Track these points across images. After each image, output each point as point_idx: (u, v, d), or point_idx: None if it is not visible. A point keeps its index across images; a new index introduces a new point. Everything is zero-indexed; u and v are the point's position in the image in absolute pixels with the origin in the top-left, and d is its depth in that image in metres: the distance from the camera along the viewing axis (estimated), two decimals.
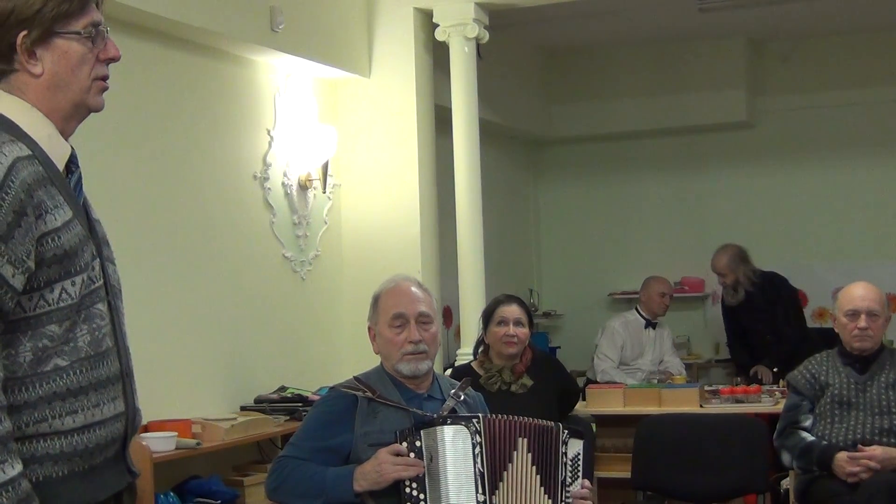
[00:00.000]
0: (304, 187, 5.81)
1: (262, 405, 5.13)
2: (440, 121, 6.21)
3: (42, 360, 1.84)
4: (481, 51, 6.06)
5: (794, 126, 8.40)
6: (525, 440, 3.06)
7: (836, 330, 4.46)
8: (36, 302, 1.83)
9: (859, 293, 4.40)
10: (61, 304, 1.85)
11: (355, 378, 3.23)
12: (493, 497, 2.98)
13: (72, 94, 1.94)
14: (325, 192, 5.91)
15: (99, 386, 1.91)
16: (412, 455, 2.99)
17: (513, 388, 4.60)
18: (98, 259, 1.95)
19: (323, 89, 6.02)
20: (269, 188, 5.56)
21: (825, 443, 4.27)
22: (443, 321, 6.76)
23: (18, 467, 1.77)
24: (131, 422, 2.00)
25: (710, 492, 4.65)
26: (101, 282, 1.94)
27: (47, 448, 1.84)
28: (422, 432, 3.01)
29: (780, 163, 8.44)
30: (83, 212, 1.95)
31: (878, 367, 4.36)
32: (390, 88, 6.05)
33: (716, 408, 5.54)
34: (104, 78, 1.98)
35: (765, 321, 6.79)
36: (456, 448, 2.99)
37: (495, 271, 6.88)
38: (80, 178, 1.98)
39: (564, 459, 3.10)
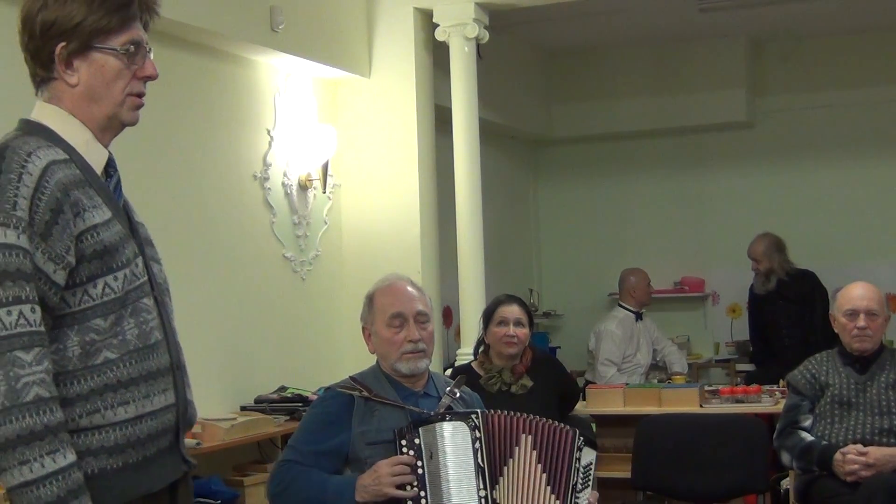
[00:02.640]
0: (304, 187, 5.81)
1: (262, 405, 5.13)
2: (440, 121, 6.21)
3: (91, 353, 1.91)
4: (481, 51, 6.06)
5: (794, 126, 8.40)
6: (530, 437, 3.07)
7: (836, 330, 4.46)
8: (80, 297, 1.91)
9: (858, 293, 4.40)
10: (105, 299, 1.93)
11: (351, 378, 3.24)
12: (494, 491, 2.99)
13: (105, 107, 2.01)
14: (325, 192, 5.91)
15: (149, 377, 1.98)
16: (411, 452, 2.99)
17: (513, 388, 4.59)
18: (141, 257, 2.02)
19: (323, 89, 6.02)
20: (269, 188, 5.56)
21: (825, 443, 4.27)
22: (443, 321, 6.77)
23: (71, 457, 1.83)
24: (182, 413, 2.07)
25: (710, 492, 4.65)
26: (146, 278, 2.02)
27: (102, 441, 1.91)
28: (420, 429, 3.01)
29: (780, 163, 8.44)
30: (123, 213, 2.03)
31: (879, 367, 4.36)
32: (390, 88, 6.05)
33: (716, 408, 5.54)
34: (139, 94, 2.05)
35: (789, 316, 6.81)
36: (455, 444, 2.99)
37: (495, 271, 6.88)
38: (118, 181, 2.07)
39: (577, 465, 3.11)
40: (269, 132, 5.58)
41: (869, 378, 4.34)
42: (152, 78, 2.06)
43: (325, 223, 5.99)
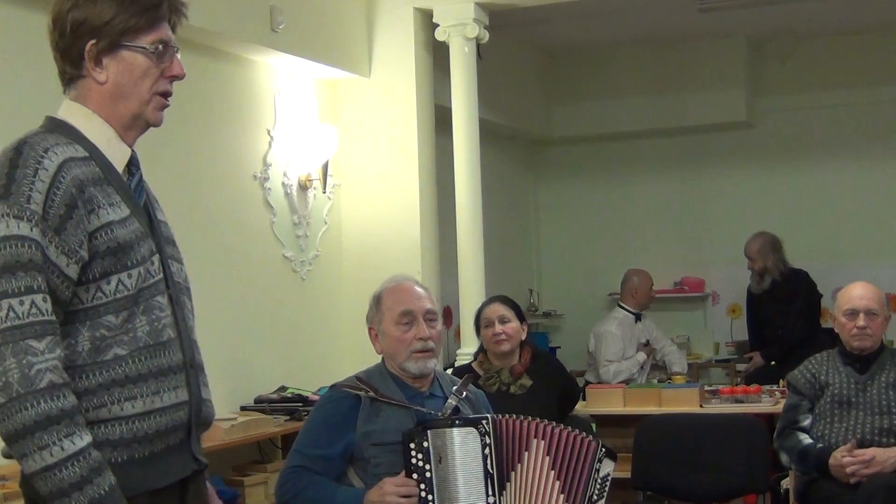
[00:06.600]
0: (304, 187, 5.81)
1: (262, 405, 5.13)
2: (440, 121, 6.21)
3: (101, 349, 1.95)
4: (481, 51, 6.06)
5: (794, 126, 8.41)
6: (543, 442, 3.04)
7: (836, 330, 4.46)
8: (93, 293, 1.95)
9: (858, 293, 4.40)
10: (118, 296, 1.97)
11: (356, 377, 3.22)
12: (502, 497, 2.97)
13: (132, 105, 2.05)
14: (325, 192, 5.91)
15: (159, 374, 2.01)
16: (420, 456, 2.96)
17: (512, 388, 4.59)
18: (158, 255, 2.06)
19: (323, 89, 6.02)
20: (269, 188, 5.56)
21: (820, 445, 4.26)
22: (443, 321, 6.77)
23: (87, 438, 1.87)
24: (196, 411, 2.09)
25: (710, 492, 4.65)
26: (161, 276, 2.06)
27: (107, 434, 1.94)
28: (429, 432, 2.98)
29: (780, 163, 8.44)
30: (143, 211, 2.08)
31: (879, 366, 4.35)
32: (390, 88, 6.05)
33: (716, 408, 5.54)
34: (165, 94, 2.08)
35: (780, 314, 6.82)
36: (465, 450, 2.97)
37: (495, 271, 6.88)
38: (140, 179, 2.11)
39: (596, 476, 3.09)
40: (269, 132, 5.58)
41: (869, 378, 4.34)
42: (179, 77, 2.10)
43: (325, 223, 5.99)
